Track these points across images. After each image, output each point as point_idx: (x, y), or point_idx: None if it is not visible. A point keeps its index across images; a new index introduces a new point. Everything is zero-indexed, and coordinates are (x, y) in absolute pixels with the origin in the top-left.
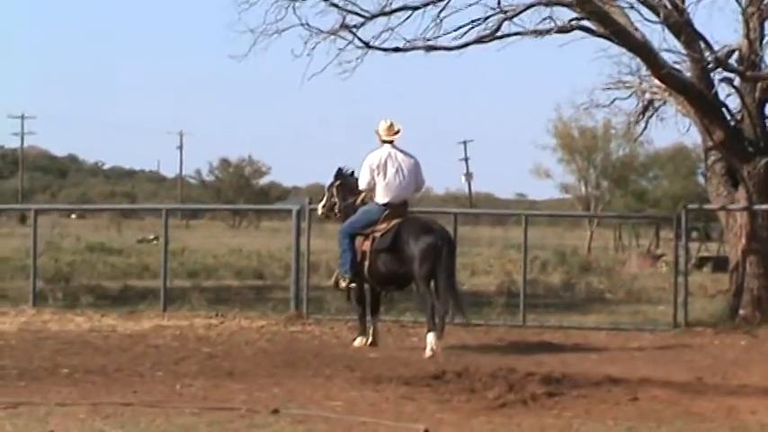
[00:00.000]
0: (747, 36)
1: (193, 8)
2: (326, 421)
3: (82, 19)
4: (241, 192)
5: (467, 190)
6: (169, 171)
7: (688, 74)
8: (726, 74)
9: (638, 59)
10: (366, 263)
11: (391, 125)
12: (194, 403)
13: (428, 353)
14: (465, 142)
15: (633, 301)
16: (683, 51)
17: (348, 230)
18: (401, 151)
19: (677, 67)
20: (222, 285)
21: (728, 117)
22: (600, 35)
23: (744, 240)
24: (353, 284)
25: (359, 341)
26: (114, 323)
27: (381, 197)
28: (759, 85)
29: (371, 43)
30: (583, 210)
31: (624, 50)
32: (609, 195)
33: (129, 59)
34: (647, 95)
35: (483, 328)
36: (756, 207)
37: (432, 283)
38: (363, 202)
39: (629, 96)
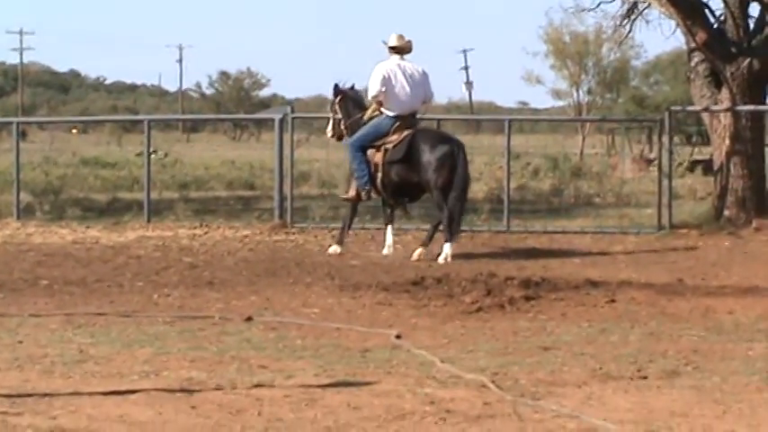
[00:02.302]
0: None
1: None
2: (299, 328)
3: None
4: (241, 104)
5: (468, 99)
6: (170, 85)
7: None
8: None
9: None
10: (379, 174)
11: (401, 36)
12: (169, 312)
13: (441, 260)
14: (465, 51)
15: (622, 205)
16: None
17: (358, 144)
18: (409, 62)
19: None
20: (210, 197)
21: (711, 18)
22: None
23: (728, 142)
24: (373, 195)
25: (335, 249)
26: (98, 235)
27: (391, 108)
28: None
29: None
30: (576, 116)
31: None
32: (601, 101)
33: None
34: None
35: (467, 234)
36: (739, 108)
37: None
38: (371, 117)
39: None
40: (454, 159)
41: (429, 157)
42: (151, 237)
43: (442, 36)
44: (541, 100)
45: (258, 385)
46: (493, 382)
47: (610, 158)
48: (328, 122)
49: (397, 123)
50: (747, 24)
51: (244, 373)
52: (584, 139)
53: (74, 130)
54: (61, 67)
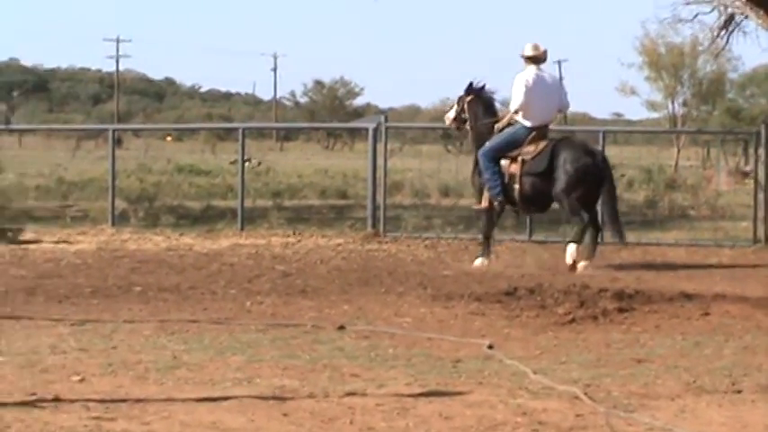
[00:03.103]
0: None
1: None
2: (391, 337)
3: None
4: (335, 113)
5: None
6: (265, 93)
7: None
8: None
9: None
10: (516, 186)
11: (536, 46)
12: (262, 320)
13: (568, 260)
14: (560, 62)
15: (717, 217)
16: None
17: (492, 154)
18: (546, 72)
19: None
20: (303, 205)
21: None
22: None
23: None
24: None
25: (480, 261)
26: (192, 242)
27: (529, 118)
28: None
29: None
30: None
31: None
32: (696, 113)
33: None
34: (729, 9)
35: (561, 245)
36: None
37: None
38: (509, 124)
39: (712, 11)
40: (599, 172)
41: (572, 167)
42: (244, 244)
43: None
44: (636, 111)
45: (350, 394)
46: (585, 393)
47: (705, 171)
48: (450, 108)
49: (533, 134)
50: None
51: (336, 382)
52: (678, 151)
53: (168, 138)
54: (157, 74)
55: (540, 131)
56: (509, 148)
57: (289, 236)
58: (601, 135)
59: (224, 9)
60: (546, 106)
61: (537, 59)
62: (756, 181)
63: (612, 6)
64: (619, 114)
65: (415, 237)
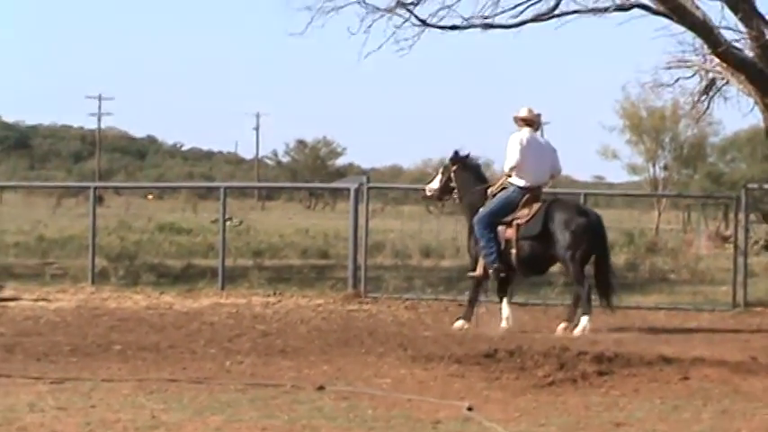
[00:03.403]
0: None
1: None
2: (371, 398)
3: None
4: (317, 172)
5: None
6: (247, 152)
7: (748, 52)
8: None
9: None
10: (513, 251)
11: (530, 109)
12: (241, 380)
13: (577, 332)
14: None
15: (696, 281)
16: (743, 29)
17: (488, 220)
18: (539, 136)
19: (738, 45)
20: (284, 265)
21: None
22: (658, 13)
23: None
24: (503, 274)
25: (461, 324)
26: (172, 301)
27: (522, 180)
28: None
29: (428, 21)
30: (652, 192)
31: (685, 29)
32: (677, 176)
33: (205, 40)
34: (710, 74)
35: (541, 307)
36: None
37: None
38: (502, 188)
39: (693, 75)
40: (594, 233)
41: (567, 229)
42: (225, 304)
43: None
44: (617, 175)
45: None
46: None
47: (685, 234)
48: (432, 179)
49: (527, 196)
50: None
51: None
52: (659, 214)
53: (150, 196)
54: (138, 132)
55: (534, 193)
56: (504, 212)
57: (269, 295)
58: (582, 197)
59: (207, 68)
60: (540, 167)
61: (531, 122)
62: (736, 245)
63: (594, 70)
64: (600, 177)
65: (395, 297)
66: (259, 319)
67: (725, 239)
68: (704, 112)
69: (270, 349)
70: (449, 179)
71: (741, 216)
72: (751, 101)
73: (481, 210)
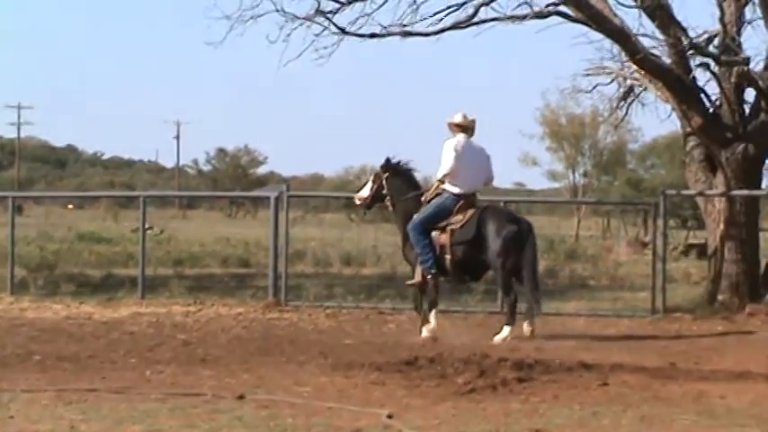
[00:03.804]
0: (722, 21)
1: None
2: (291, 406)
3: (77, 8)
4: (238, 181)
5: None
6: (167, 161)
7: (666, 59)
8: (703, 59)
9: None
10: (447, 256)
11: (465, 115)
12: (161, 389)
13: (497, 340)
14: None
15: (616, 287)
16: (660, 36)
17: (423, 227)
18: (473, 142)
19: (655, 52)
20: (205, 274)
21: (707, 103)
22: (577, 20)
23: (722, 226)
24: (440, 278)
25: (426, 331)
26: (92, 311)
27: (456, 186)
28: (736, 70)
29: (347, 29)
30: (571, 198)
31: (603, 36)
32: (597, 183)
33: (125, 48)
34: (628, 81)
35: (461, 314)
36: (734, 193)
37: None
38: (436, 194)
39: (611, 82)
40: (524, 240)
41: (498, 236)
42: (145, 313)
43: (438, 116)
44: (537, 181)
45: None
46: None
47: (605, 241)
48: (362, 186)
49: (461, 202)
50: (743, 109)
51: None
52: (579, 221)
53: (70, 206)
54: (58, 142)
55: (468, 200)
56: (438, 218)
57: (190, 304)
58: (502, 205)
59: (127, 77)
60: (474, 174)
61: (465, 128)
62: (655, 251)
63: (514, 78)
64: (521, 184)
65: (316, 305)
66: (179, 329)
67: (644, 245)
68: (623, 119)
69: (190, 358)
70: (380, 186)
71: (660, 222)
72: (669, 107)
73: (415, 216)
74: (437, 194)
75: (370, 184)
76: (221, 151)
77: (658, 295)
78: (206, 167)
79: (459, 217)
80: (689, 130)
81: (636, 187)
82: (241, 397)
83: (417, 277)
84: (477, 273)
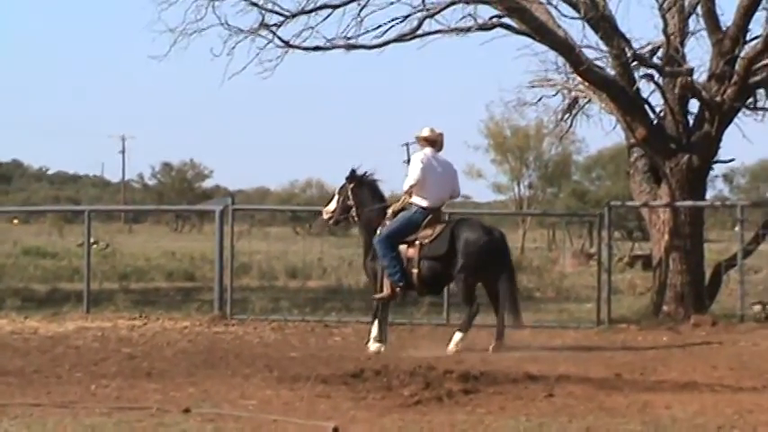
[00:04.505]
0: (666, 32)
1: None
2: (237, 420)
3: (18, 21)
4: (183, 195)
5: None
6: (113, 175)
7: (610, 71)
8: (647, 70)
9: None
10: (414, 270)
11: (432, 129)
12: (107, 403)
13: (450, 347)
14: (407, 144)
15: (561, 299)
16: (604, 48)
17: (391, 241)
18: (441, 157)
19: (600, 63)
20: (150, 288)
21: (651, 114)
22: (521, 32)
23: (667, 237)
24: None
25: (377, 347)
26: (37, 325)
27: (424, 200)
28: (680, 81)
29: (292, 42)
30: (516, 210)
31: (548, 48)
32: (542, 195)
33: (69, 62)
34: (573, 93)
35: (407, 327)
36: (678, 204)
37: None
38: (403, 208)
39: (556, 94)
40: (498, 252)
41: (473, 250)
42: (90, 327)
43: (384, 130)
44: (483, 194)
45: None
46: None
47: (550, 253)
48: (329, 201)
49: (430, 216)
50: (687, 121)
51: None
52: (524, 233)
53: (15, 221)
54: (3, 156)
55: (436, 214)
56: (406, 232)
57: (135, 318)
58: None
59: (71, 91)
60: (442, 188)
61: (433, 142)
62: (600, 263)
63: (458, 90)
64: (466, 197)
65: (261, 319)
66: (125, 343)
67: (589, 257)
68: (567, 131)
69: (136, 372)
70: (346, 198)
71: (605, 234)
72: (613, 119)
73: (383, 230)
74: (403, 208)
75: (336, 197)
76: (166, 165)
77: (603, 306)
78: (151, 182)
79: (429, 231)
80: (633, 141)
81: (581, 199)
82: (186, 410)
83: (386, 290)
84: (441, 286)
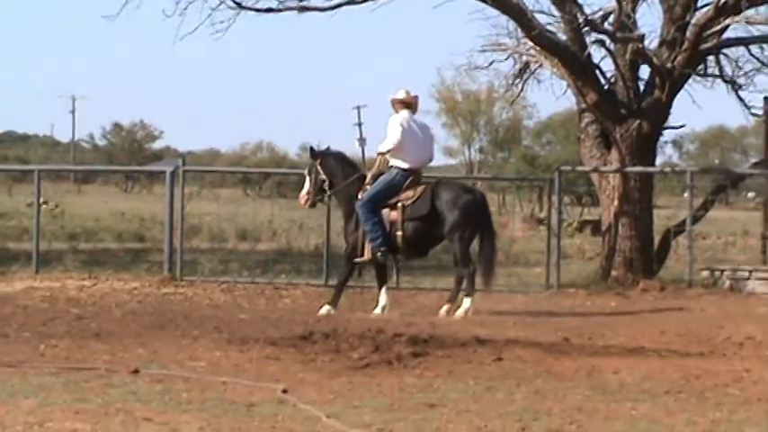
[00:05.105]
0: None
1: None
2: (186, 381)
3: None
4: (134, 156)
5: (361, 155)
6: (63, 136)
7: (562, 36)
8: (598, 36)
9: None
10: (398, 233)
11: (408, 91)
12: (55, 363)
13: (460, 313)
14: (359, 107)
15: (511, 263)
16: (556, 13)
17: (372, 204)
18: (418, 119)
19: (552, 29)
20: (100, 248)
21: (602, 80)
22: None
23: (616, 202)
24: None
25: (327, 309)
26: None
27: (405, 162)
28: (631, 47)
29: (244, 3)
30: (467, 174)
31: (500, 12)
32: (493, 159)
33: (18, 21)
34: (524, 57)
35: (357, 290)
36: (628, 169)
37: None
38: (380, 173)
39: (507, 58)
40: (481, 211)
41: (456, 207)
42: (39, 287)
43: (335, 92)
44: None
45: None
46: None
47: (500, 217)
48: (302, 186)
49: (410, 178)
50: (637, 86)
51: (128, 426)
52: None
53: None
54: None
55: (416, 176)
56: (388, 195)
57: (84, 279)
58: None
59: (21, 50)
60: (421, 150)
61: (408, 104)
62: (549, 228)
63: (410, 54)
64: None
65: (211, 281)
66: (74, 303)
67: (539, 222)
68: (518, 95)
69: (84, 333)
70: (317, 174)
71: (555, 198)
72: (564, 84)
73: (365, 194)
74: (381, 172)
75: (308, 179)
76: (117, 126)
77: (553, 271)
78: (102, 142)
79: (410, 193)
80: (584, 106)
81: (531, 164)
82: (135, 371)
83: (367, 255)
84: (427, 248)
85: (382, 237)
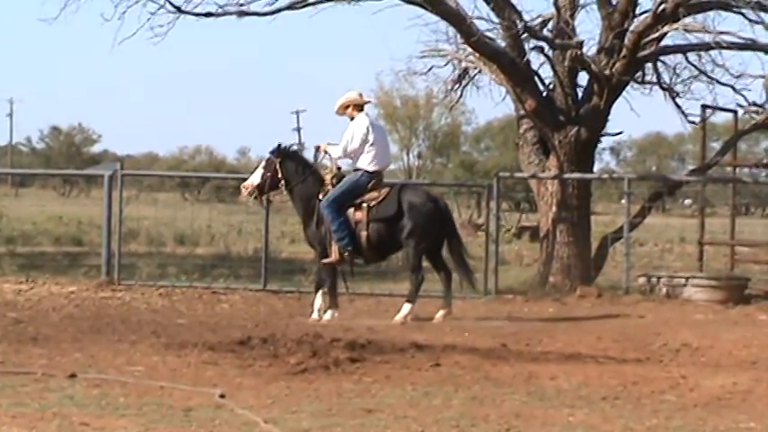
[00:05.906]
0: (556, 4)
1: None
2: (123, 386)
3: None
4: (71, 159)
5: None
6: (0, 139)
7: (501, 42)
8: (537, 42)
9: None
10: (363, 233)
11: (360, 93)
12: None
13: (398, 318)
14: (298, 112)
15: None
16: (495, 19)
17: (338, 204)
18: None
19: (490, 35)
20: (37, 252)
21: (540, 86)
22: (412, 2)
23: (554, 209)
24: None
25: (330, 314)
26: None
27: (370, 164)
28: (569, 53)
29: (183, 8)
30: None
31: (439, 18)
32: (431, 165)
33: None
34: (463, 63)
35: (295, 295)
36: (566, 175)
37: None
38: (342, 175)
39: (446, 64)
40: (444, 218)
41: (419, 215)
42: None
43: (274, 97)
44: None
45: None
46: None
47: None
48: (251, 175)
49: (374, 180)
50: (576, 93)
51: (65, 430)
52: None
53: None
54: None
55: (379, 178)
56: (353, 196)
57: (21, 283)
58: None
59: None
60: (385, 152)
61: (361, 107)
62: (488, 233)
63: (348, 59)
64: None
65: (149, 285)
66: (10, 307)
67: (477, 228)
68: (457, 101)
69: (21, 337)
70: (275, 172)
71: (493, 204)
72: (503, 90)
73: (329, 194)
74: (343, 175)
75: (260, 171)
76: (55, 129)
77: (491, 277)
78: (39, 145)
79: (375, 194)
80: (522, 112)
81: (470, 169)
82: (72, 376)
83: (334, 256)
84: (389, 251)
85: (348, 236)
